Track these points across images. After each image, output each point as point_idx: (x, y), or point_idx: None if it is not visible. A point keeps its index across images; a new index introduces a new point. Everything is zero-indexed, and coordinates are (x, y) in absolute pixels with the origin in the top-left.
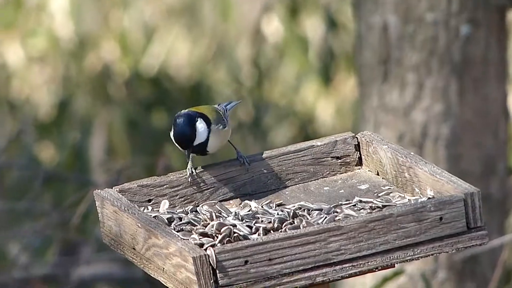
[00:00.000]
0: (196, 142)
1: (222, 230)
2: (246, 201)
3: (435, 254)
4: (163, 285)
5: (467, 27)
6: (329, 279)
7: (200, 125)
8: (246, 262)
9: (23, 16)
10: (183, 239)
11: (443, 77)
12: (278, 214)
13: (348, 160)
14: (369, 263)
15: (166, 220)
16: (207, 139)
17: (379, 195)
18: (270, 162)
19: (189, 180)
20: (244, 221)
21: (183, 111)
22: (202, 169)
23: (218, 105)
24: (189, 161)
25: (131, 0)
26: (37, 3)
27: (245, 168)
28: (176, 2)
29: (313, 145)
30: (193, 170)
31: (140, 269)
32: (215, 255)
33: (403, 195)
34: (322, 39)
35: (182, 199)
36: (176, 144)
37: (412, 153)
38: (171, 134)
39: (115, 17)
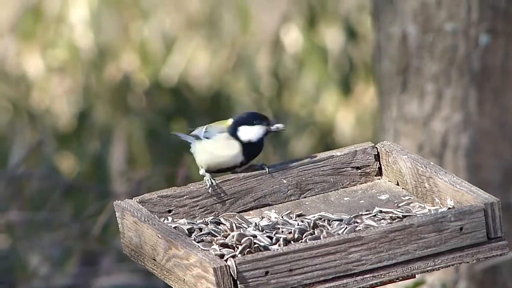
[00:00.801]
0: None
1: (242, 241)
2: (266, 212)
3: (455, 265)
4: None
5: (487, 36)
6: None
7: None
8: (266, 272)
9: (43, 27)
10: (204, 250)
11: (462, 87)
12: (298, 224)
13: (368, 170)
14: (390, 273)
15: (187, 231)
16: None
17: (399, 205)
18: (290, 173)
19: (210, 191)
20: (264, 231)
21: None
22: (221, 180)
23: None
24: (206, 172)
25: (151, 10)
26: (57, 14)
27: (265, 172)
28: (196, 13)
29: (333, 155)
30: (213, 181)
31: (160, 280)
32: (236, 266)
33: (423, 205)
34: (341, 49)
35: (202, 209)
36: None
37: (432, 163)
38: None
39: (135, 28)
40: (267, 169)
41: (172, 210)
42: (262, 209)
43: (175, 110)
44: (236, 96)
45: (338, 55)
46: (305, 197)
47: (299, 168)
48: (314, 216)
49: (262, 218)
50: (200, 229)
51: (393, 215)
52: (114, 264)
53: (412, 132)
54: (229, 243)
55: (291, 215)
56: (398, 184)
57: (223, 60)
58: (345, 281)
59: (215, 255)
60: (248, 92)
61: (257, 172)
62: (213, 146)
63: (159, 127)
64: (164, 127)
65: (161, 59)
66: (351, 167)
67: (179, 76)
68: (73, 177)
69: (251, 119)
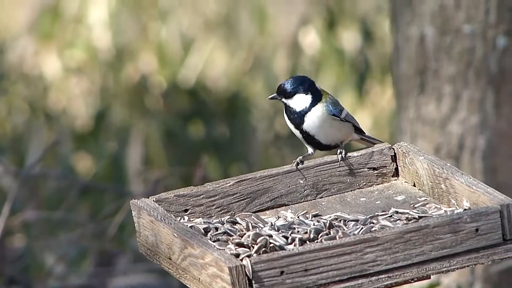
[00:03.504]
0: (288, 101)
1: (258, 241)
2: (283, 212)
3: (471, 266)
4: None
5: (504, 39)
6: None
7: (306, 95)
8: (282, 272)
9: (61, 28)
10: (219, 249)
11: (479, 89)
12: (314, 224)
13: (385, 171)
14: (405, 274)
15: (203, 230)
16: (306, 111)
17: (416, 206)
18: (307, 173)
19: (294, 166)
20: (280, 231)
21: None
22: (237, 180)
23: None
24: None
25: (169, 12)
26: (75, 15)
27: (337, 160)
28: (213, 14)
29: (350, 156)
30: (298, 161)
31: (176, 279)
32: (251, 265)
33: (439, 206)
34: (359, 51)
35: (219, 209)
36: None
37: (448, 164)
38: None
39: (153, 29)
40: (339, 156)
41: (188, 210)
42: (278, 209)
43: (192, 111)
44: (253, 98)
45: (355, 57)
46: (321, 198)
47: (316, 168)
48: (330, 216)
49: (278, 218)
50: (216, 229)
51: (409, 216)
52: (130, 264)
53: (429, 133)
54: (245, 243)
55: (307, 215)
56: (414, 185)
57: (240, 62)
58: (360, 281)
59: (231, 254)
60: (266, 93)
61: (274, 172)
62: None
63: (176, 129)
64: (181, 128)
65: (179, 61)
66: (368, 168)
67: (197, 78)
68: (90, 177)
69: None
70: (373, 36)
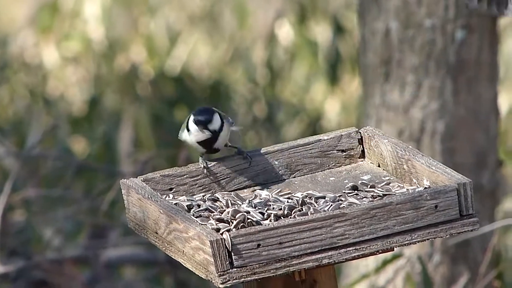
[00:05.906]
0: (211, 126)
1: (237, 216)
2: (259, 190)
3: (430, 239)
4: (183, 266)
5: (462, 32)
6: (334, 261)
7: (216, 115)
8: (258, 245)
9: (59, 21)
10: (202, 224)
11: (439, 78)
12: (288, 202)
13: (352, 153)
14: (370, 247)
15: (186, 207)
16: (220, 129)
17: (380, 185)
18: (281, 155)
19: (205, 172)
20: (257, 208)
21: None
22: (217, 162)
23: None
24: (200, 157)
25: (157, 7)
26: (71, 10)
27: (248, 161)
28: (198, 9)
29: (320, 139)
30: (205, 164)
31: (162, 251)
32: (231, 239)
33: (402, 185)
34: (329, 43)
35: (201, 188)
36: (195, 126)
37: (410, 146)
38: (190, 122)
39: (142, 23)
40: (249, 158)
41: (173, 188)
42: (255, 187)
43: (178, 98)
44: (234, 85)
45: (326, 48)
46: (294, 177)
47: (289, 150)
48: (303, 194)
49: (255, 196)
50: (199, 206)
51: (374, 194)
52: (120, 237)
53: (393, 118)
54: (225, 218)
55: (281, 193)
56: (379, 166)
57: (222, 53)
58: (330, 253)
59: (212, 229)
60: (244, 81)
61: (241, 156)
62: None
63: (163, 113)
64: (167, 113)
65: (166, 52)
66: (337, 150)
67: (182, 67)
68: (85, 158)
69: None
70: (343, 30)
